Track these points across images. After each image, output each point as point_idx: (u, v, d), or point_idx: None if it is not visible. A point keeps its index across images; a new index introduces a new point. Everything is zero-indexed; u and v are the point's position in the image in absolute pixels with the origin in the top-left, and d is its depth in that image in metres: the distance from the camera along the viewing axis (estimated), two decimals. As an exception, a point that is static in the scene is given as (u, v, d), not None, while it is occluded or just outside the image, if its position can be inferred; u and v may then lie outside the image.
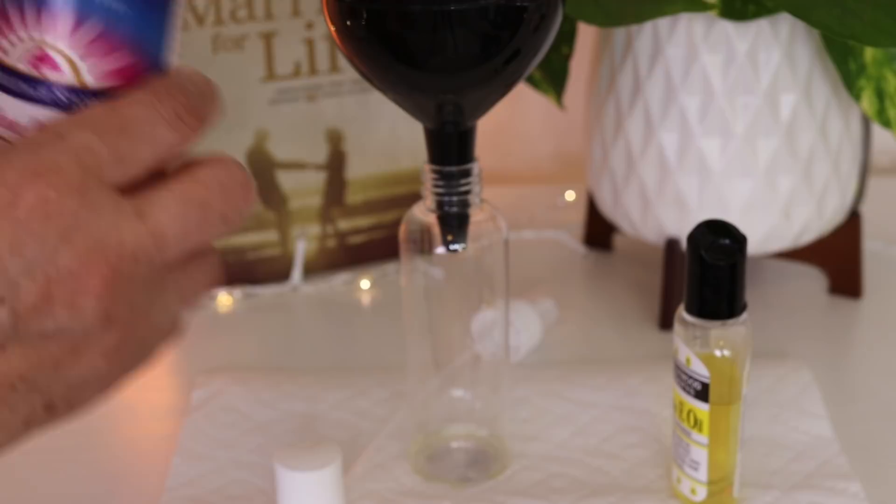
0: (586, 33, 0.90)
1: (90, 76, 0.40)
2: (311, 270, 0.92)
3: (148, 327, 0.41)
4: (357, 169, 0.91)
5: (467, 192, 0.61)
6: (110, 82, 0.41)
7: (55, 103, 0.40)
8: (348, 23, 0.55)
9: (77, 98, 0.40)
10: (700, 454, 0.63)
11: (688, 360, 0.61)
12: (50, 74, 0.40)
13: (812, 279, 0.89)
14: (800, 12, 0.69)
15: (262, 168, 0.89)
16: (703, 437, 0.62)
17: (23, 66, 0.40)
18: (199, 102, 0.42)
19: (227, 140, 0.88)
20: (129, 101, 0.40)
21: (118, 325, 0.39)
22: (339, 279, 0.92)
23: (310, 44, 0.88)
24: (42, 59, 0.40)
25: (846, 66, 0.75)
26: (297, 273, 0.91)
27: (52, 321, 0.38)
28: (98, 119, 0.39)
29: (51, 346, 0.38)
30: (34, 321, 0.37)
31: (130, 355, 0.41)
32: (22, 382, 0.38)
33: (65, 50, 0.39)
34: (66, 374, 0.39)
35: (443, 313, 0.67)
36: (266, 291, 0.90)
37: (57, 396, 0.39)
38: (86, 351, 0.39)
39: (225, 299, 0.89)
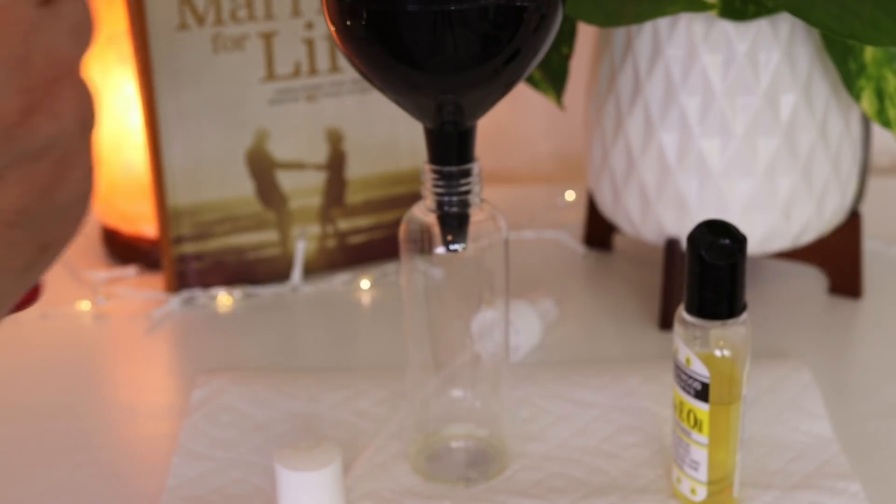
0: (586, 33, 0.90)
1: None
2: (311, 270, 0.92)
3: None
4: (357, 169, 0.91)
5: (467, 192, 0.61)
6: None
7: None
8: (348, 23, 0.55)
9: None
10: (700, 454, 0.63)
11: (688, 360, 0.61)
12: None
13: (812, 279, 0.89)
14: (799, 12, 0.69)
15: (262, 168, 0.89)
16: (703, 437, 0.62)
17: None
18: None
19: (228, 140, 0.88)
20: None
21: (88, 133, 0.38)
22: (339, 279, 0.92)
23: (310, 44, 0.88)
24: None
25: (846, 66, 0.75)
26: (297, 273, 0.91)
27: (40, 134, 0.37)
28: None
29: (39, 168, 0.37)
30: (21, 138, 0.36)
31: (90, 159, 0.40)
32: (19, 216, 0.37)
33: None
34: (56, 199, 0.38)
35: (443, 313, 0.67)
36: (266, 291, 0.90)
37: (49, 233, 0.38)
38: (70, 167, 0.38)
39: (225, 299, 0.89)
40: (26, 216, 0.37)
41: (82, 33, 0.38)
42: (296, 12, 0.87)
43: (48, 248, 0.39)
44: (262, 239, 0.90)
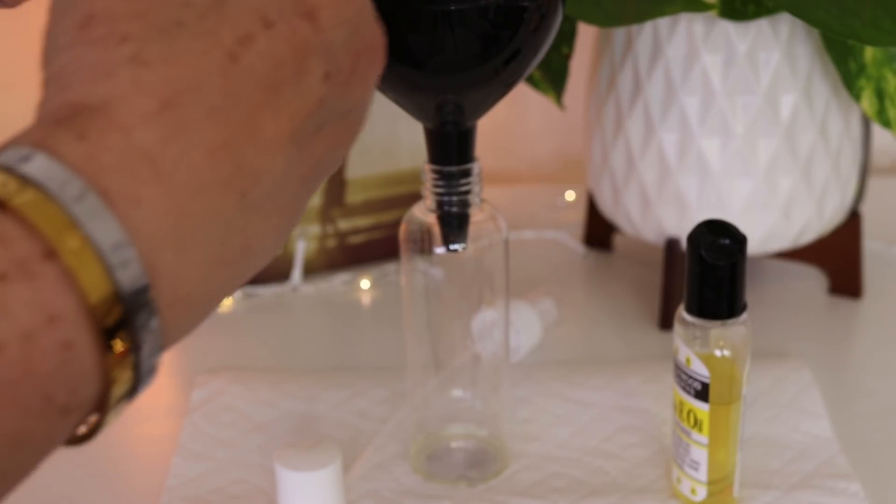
0: (586, 33, 0.90)
1: None
2: (311, 270, 0.92)
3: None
4: (357, 169, 0.91)
5: (467, 192, 0.61)
6: None
7: None
8: (348, 23, 0.55)
9: None
10: (700, 454, 0.63)
11: (688, 360, 0.61)
12: None
13: (812, 279, 0.89)
14: (800, 12, 0.68)
15: (262, 168, 0.89)
16: (703, 437, 0.62)
17: None
18: None
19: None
20: None
21: (369, 92, 0.41)
22: (339, 279, 0.92)
23: (310, 44, 0.87)
24: None
25: (846, 66, 0.75)
26: (297, 273, 0.91)
27: (353, 94, 0.39)
28: None
29: (342, 126, 0.40)
30: (343, 95, 0.38)
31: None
32: (316, 170, 0.39)
33: None
34: (339, 157, 0.40)
35: (443, 313, 0.67)
36: (266, 291, 0.90)
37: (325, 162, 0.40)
38: (354, 125, 0.41)
39: (225, 299, 0.89)
40: (319, 171, 0.39)
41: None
42: (296, 12, 0.86)
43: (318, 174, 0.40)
44: (262, 239, 0.90)
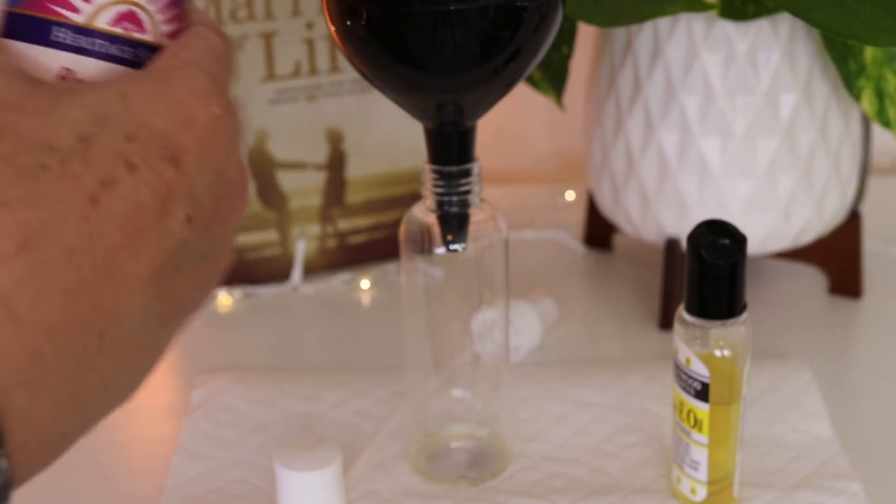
0: (586, 33, 0.90)
1: (160, 30, 0.41)
2: (311, 270, 0.92)
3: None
4: (357, 169, 0.91)
5: (467, 192, 0.61)
6: (167, 35, 0.41)
7: (132, 60, 0.40)
8: (348, 23, 0.55)
9: (147, 53, 0.41)
10: (700, 454, 0.63)
11: (688, 360, 0.61)
12: (134, 32, 0.40)
13: (812, 279, 0.89)
14: (800, 12, 0.68)
15: (262, 168, 0.89)
16: (703, 437, 0.62)
17: (104, 26, 0.40)
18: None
19: (227, 140, 0.87)
20: (202, 36, 0.41)
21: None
22: (339, 279, 0.92)
23: (310, 44, 0.88)
24: (127, 17, 0.40)
25: (846, 66, 0.75)
26: (297, 273, 0.91)
27: (215, 235, 0.39)
28: (205, 52, 0.40)
29: (207, 266, 0.40)
30: (205, 237, 0.39)
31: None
32: (178, 307, 0.39)
33: (148, 7, 0.40)
34: (203, 296, 0.41)
35: (443, 313, 0.67)
36: (266, 291, 0.90)
37: (178, 314, 0.40)
38: (216, 268, 0.41)
39: (225, 299, 0.89)
40: (180, 310, 0.39)
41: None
42: (296, 12, 0.87)
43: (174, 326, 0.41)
44: (262, 239, 0.90)
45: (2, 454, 0.33)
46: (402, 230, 0.64)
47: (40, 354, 0.34)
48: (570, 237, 0.96)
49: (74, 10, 0.40)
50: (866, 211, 0.90)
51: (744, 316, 0.61)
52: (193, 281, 0.39)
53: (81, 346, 0.35)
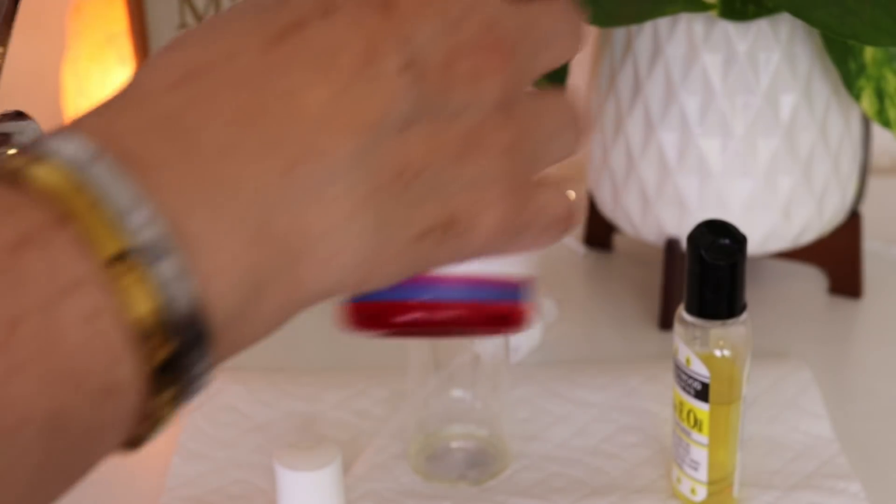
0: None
1: None
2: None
3: (538, 135, 0.39)
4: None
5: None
6: None
7: None
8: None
9: None
10: (700, 454, 0.63)
11: (688, 360, 0.61)
12: None
13: (812, 279, 0.89)
14: (800, 12, 0.68)
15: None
16: (703, 437, 0.62)
17: None
18: None
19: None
20: None
21: (514, 121, 0.37)
22: (339, 279, 0.91)
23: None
24: None
25: (846, 66, 0.75)
26: (297, 273, 0.91)
27: (455, 96, 0.35)
28: None
29: (449, 131, 0.36)
30: (438, 94, 0.35)
31: (524, 164, 0.38)
32: (417, 178, 0.35)
33: None
34: (463, 171, 0.36)
35: (443, 313, 0.67)
36: (266, 291, 0.90)
37: (458, 208, 0.36)
38: (483, 143, 0.36)
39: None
40: (427, 179, 0.35)
41: (541, 28, 0.39)
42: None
43: (453, 227, 0.36)
44: (262, 239, 0.90)
45: (184, 274, 0.30)
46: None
47: (214, 176, 0.31)
48: (570, 237, 0.96)
49: None
50: (866, 211, 0.90)
51: (744, 316, 0.61)
52: (431, 145, 0.35)
53: (261, 174, 0.32)
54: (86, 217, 0.29)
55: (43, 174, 0.30)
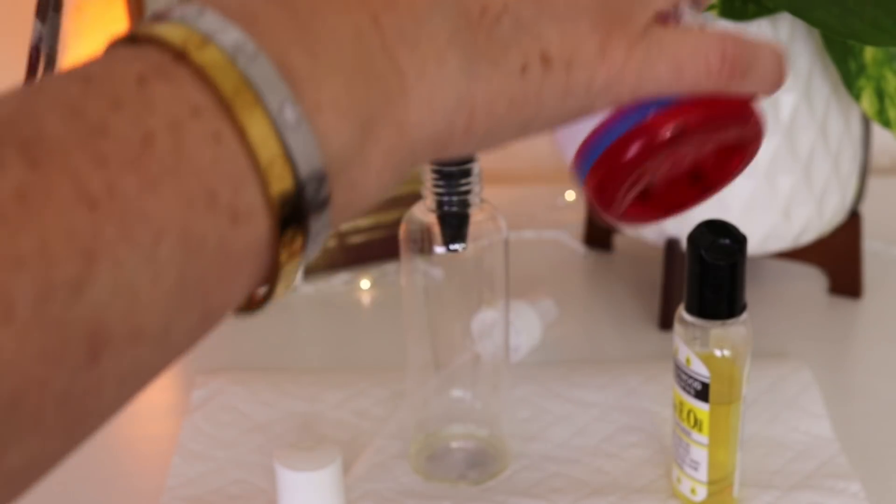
0: (586, 33, 0.90)
1: None
2: (311, 270, 0.92)
3: None
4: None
5: (467, 192, 0.61)
6: None
7: None
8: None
9: None
10: (700, 454, 0.63)
11: (688, 360, 0.61)
12: None
13: (812, 279, 0.89)
14: (800, 12, 0.68)
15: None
16: (703, 437, 0.62)
17: None
18: None
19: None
20: None
21: None
22: (339, 279, 0.92)
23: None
24: None
25: (846, 66, 0.75)
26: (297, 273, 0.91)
27: None
28: None
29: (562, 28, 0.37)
30: None
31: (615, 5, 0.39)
32: (501, 16, 0.37)
33: None
34: (547, 4, 0.38)
35: (443, 313, 0.67)
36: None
37: (551, 41, 0.38)
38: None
39: (225, 299, 0.89)
40: (512, 15, 0.37)
41: None
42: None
43: (552, 61, 0.38)
44: (262, 239, 0.90)
45: (292, 102, 0.32)
46: (402, 230, 0.64)
47: (309, 26, 0.33)
48: (570, 237, 0.96)
49: None
50: (866, 211, 0.90)
51: (744, 316, 0.61)
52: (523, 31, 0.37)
53: (350, 21, 0.34)
54: (200, 55, 0.32)
55: (158, 27, 0.32)
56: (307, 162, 0.32)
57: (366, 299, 0.90)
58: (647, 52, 0.39)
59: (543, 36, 0.37)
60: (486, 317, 0.67)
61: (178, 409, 0.75)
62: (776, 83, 0.42)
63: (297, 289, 0.91)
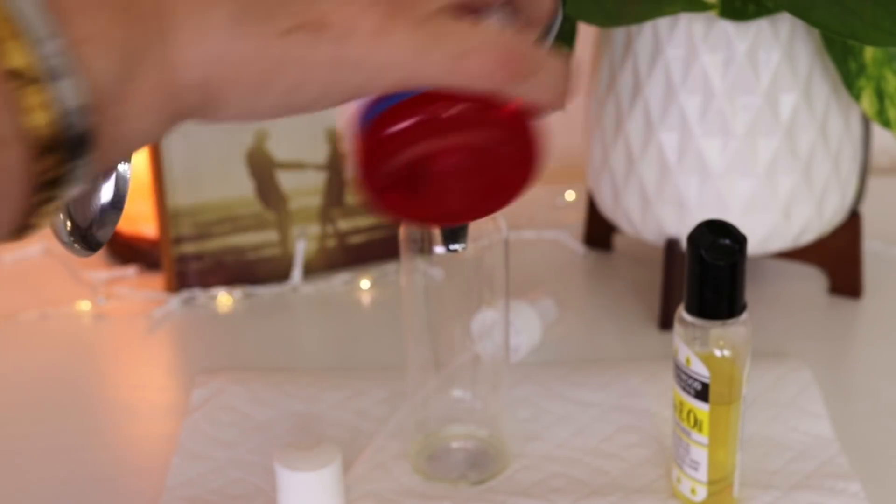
0: (586, 33, 0.90)
1: None
2: (311, 270, 0.92)
3: None
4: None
5: (467, 192, 0.61)
6: None
7: None
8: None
9: None
10: (700, 454, 0.63)
11: (688, 360, 0.61)
12: None
13: (812, 279, 0.89)
14: (799, 11, 0.69)
15: (262, 168, 0.89)
16: (703, 437, 0.62)
17: None
18: None
19: (228, 140, 0.88)
20: None
21: None
22: (339, 279, 0.92)
23: (310, 44, 0.87)
24: None
25: (846, 66, 0.75)
26: (297, 273, 0.91)
27: None
28: None
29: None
30: None
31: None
32: None
33: None
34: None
35: (443, 313, 0.67)
36: (266, 291, 0.90)
37: (329, 10, 0.37)
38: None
39: (225, 299, 0.89)
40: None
41: None
42: (296, 12, 0.86)
43: (324, 29, 0.38)
44: (262, 239, 0.90)
45: (59, 34, 0.33)
46: (402, 230, 0.64)
47: None
48: (570, 237, 0.96)
49: None
50: (866, 211, 0.90)
51: (744, 316, 0.61)
52: None
53: None
54: None
55: None
56: (69, 93, 0.33)
57: (366, 299, 0.90)
58: (428, 38, 0.38)
59: (320, 3, 0.37)
60: (486, 317, 0.67)
61: (178, 409, 0.75)
62: (558, 96, 0.42)
63: (297, 289, 0.91)
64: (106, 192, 0.40)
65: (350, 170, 0.42)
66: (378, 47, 0.38)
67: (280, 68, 0.37)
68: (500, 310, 0.66)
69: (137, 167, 0.90)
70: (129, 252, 0.94)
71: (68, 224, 0.41)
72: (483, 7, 0.41)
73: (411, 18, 0.38)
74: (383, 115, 0.40)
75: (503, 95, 0.40)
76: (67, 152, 0.33)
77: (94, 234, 0.41)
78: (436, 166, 0.42)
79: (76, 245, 0.41)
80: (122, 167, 0.41)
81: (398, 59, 0.38)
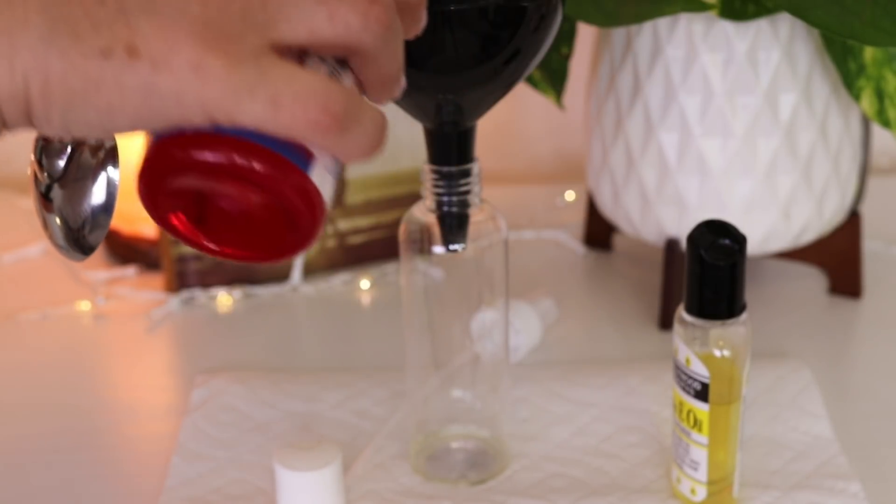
0: (586, 33, 0.90)
1: None
2: (311, 270, 0.92)
3: None
4: (357, 169, 0.91)
5: (467, 192, 0.61)
6: None
7: None
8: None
9: None
10: (700, 454, 0.63)
11: (687, 360, 0.61)
12: None
13: (812, 279, 0.89)
14: (799, 12, 0.68)
15: (262, 168, 0.89)
16: (702, 437, 0.62)
17: None
18: None
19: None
20: None
21: None
22: (339, 279, 0.92)
23: (310, 44, 0.87)
24: None
25: (846, 66, 0.75)
26: (297, 273, 0.91)
27: None
28: None
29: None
30: None
31: (228, 17, 0.38)
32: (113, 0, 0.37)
33: None
34: (155, 5, 0.37)
35: (442, 313, 0.67)
36: (266, 291, 0.90)
37: (146, 36, 0.37)
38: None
39: (225, 299, 0.89)
40: (120, 5, 0.37)
41: None
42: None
43: (139, 55, 0.37)
44: (262, 239, 0.90)
45: None
46: (402, 230, 0.64)
47: None
48: (570, 237, 0.96)
49: None
50: (866, 211, 0.90)
51: (743, 316, 0.61)
52: None
53: None
54: None
55: None
56: None
57: (366, 299, 0.90)
58: (248, 79, 0.38)
59: (139, 28, 0.37)
60: (486, 317, 0.67)
61: (178, 409, 0.75)
62: (370, 150, 0.41)
63: (297, 289, 0.91)
64: (97, 196, 0.40)
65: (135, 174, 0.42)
66: (192, 81, 0.37)
67: (94, 88, 0.37)
68: (499, 310, 0.66)
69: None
70: (128, 252, 0.94)
71: (62, 229, 0.41)
72: (311, 52, 0.40)
73: (232, 55, 0.37)
74: (185, 137, 0.39)
75: (314, 147, 0.40)
76: None
77: (86, 238, 0.41)
78: (218, 203, 0.42)
79: (70, 249, 0.41)
80: (111, 171, 0.41)
81: (213, 97, 0.37)
